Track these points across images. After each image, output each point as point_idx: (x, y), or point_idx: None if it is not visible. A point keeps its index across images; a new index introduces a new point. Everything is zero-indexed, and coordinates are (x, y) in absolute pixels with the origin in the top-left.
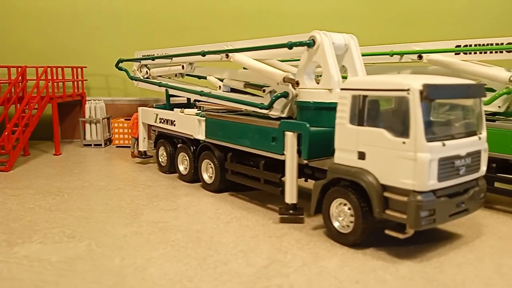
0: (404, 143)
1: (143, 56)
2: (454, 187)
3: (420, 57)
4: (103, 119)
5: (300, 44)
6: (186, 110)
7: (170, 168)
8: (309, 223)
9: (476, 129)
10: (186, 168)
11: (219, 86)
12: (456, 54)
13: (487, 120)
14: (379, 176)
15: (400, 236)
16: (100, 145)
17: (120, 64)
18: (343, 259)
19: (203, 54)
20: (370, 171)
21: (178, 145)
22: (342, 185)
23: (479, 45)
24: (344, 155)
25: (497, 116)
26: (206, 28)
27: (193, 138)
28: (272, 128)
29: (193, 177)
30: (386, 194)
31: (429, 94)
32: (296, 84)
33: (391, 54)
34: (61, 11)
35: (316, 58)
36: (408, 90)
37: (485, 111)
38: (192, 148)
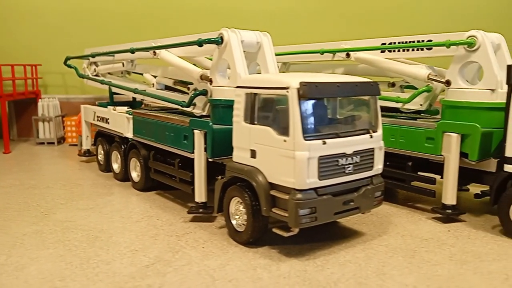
0: (285, 141)
1: (91, 53)
2: (340, 185)
3: (348, 55)
4: (56, 117)
5: (209, 41)
6: (118, 108)
7: (108, 166)
8: (219, 222)
9: (368, 127)
10: (119, 166)
11: (153, 84)
12: (382, 52)
13: (408, 118)
14: (267, 175)
15: (284, 234)
16: (53, 143)
17: (69, 62)
18: (230, 257)
19: (132, 51)
20: (260, 169)
21: (112, 144)
22: (239, 183)
23: (402, 42)
24: (240, 153)
25: (422, 114)
26: (159, 24)
27: (123, 136)
28: (183, 126)
29: (125, 175)
30: (273, 192)
31: (306, 92)
32: (210, 82)
33: (322, 52)
34: (17, 9)
35: (225, 56)
36: (287, 88)
37: (408, 109)
38: (123, 147)
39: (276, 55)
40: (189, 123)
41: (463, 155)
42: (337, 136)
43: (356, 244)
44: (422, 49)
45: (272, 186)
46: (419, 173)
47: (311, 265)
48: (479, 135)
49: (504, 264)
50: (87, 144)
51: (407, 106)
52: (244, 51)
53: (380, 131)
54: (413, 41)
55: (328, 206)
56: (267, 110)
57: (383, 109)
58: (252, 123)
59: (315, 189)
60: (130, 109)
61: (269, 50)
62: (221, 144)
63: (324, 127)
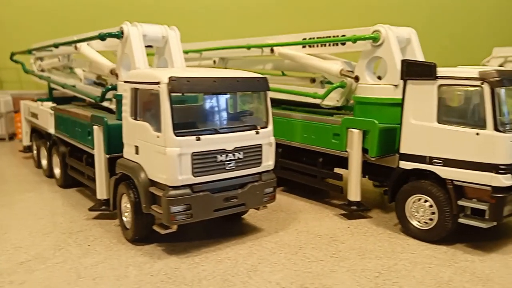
0: (158, 137)
1: (28, 49)
2: (220, 181)
3: (272, 50)
4: (7, 113)
5: (109, 35)
6: (45, 103)
7: (40, 163)
8: None
9: (256, 123)
10: (46, 163)
11: (81, 79)
12: (303, 47)
13: (324, 114)
14: (148, 171)
15: (162, 231)
16: (4, 139)
17: (16, 57)
18: (111, 255)
19: (56, 46)
20: (143, 166)
21: (41, 139)
22: (127, 180)
23: (320, 38)
24: (127, 149)
25: (343, 110)
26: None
27: (48, 132)
28: (86, 122)
29: (50, 172)
30: (151, 189)
31: (176, 87)
32: (116, 76)
33: (248, 47)
34: None
35: (126, 50)
36: (158, 83)
37: (327, 105)
38: (48, 143)
39: (203, 50)
40: (90, 118)
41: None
42: (216, 132)
43: (247, 240)
44: (337, 44)
45: (153, 183)
46: (336, 169)
47: (187, 262)
48: (377, 131)
49: (384, 261)
50: (26, 141)
51: (325, 102)
52: (150, 45)
53: (270, 127)
54: (329, 36)
55: (205, 203)
56: (146, 105)
57: (306, 105)
58: (135, 118)
59: (191, 185)
60: (55, 104)
61: (175, 45)
62: (118, 140)
63: (201, 123)
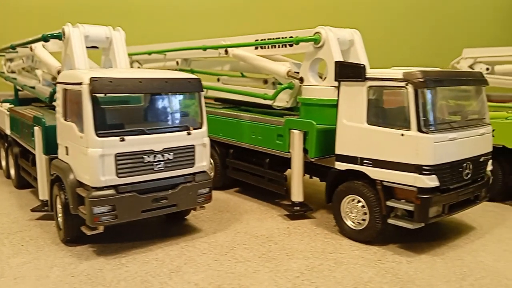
0: (81, 137)
1: None
2: (148, 182)
3: (226, 51)
4: None
5: (52, 36)
6: (4, 104)
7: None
8: None
9: (189, 124)
10: (5, 164)
11: (39, 80)
12: (256, 48)
13: (276, 115)
14: (75, 172)
15: (88, 232)
16: None
17: None
18: (39, 256)
19: (13, 47)
20: (71, 166)
21: (1, 140)
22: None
23: (270, 39)
24: (60, 150)
25: (295, 111)
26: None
27: (5, 133)
28: (30, 123)
29: (8, 173)
30: (78, 190)
31: (97, 87)
32: None
33: (204, 49)
34: None
35: (68, 51)
36: (81, 83)
37: (278, 106)
38: (6, 144)
39: (161, 51)
40: (33, 119)
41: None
42: (143, 133)
43: (182, 241)
44: (285, 46)
45: (80, 184)
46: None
47: (113, 263)
48: (315, 132)
49: (310, 262)
50: None
51: (276, 103)
52: (96, 47)
53: (204, 128)
54: (278, 38)
55: (132, 204)
56: (73, 106)
57: (264, 106)
58: (66, 119)
59: (116, 186)
60: (12, 105)
61: (120, 46)
62: (56, 141)
63: (129, 124)
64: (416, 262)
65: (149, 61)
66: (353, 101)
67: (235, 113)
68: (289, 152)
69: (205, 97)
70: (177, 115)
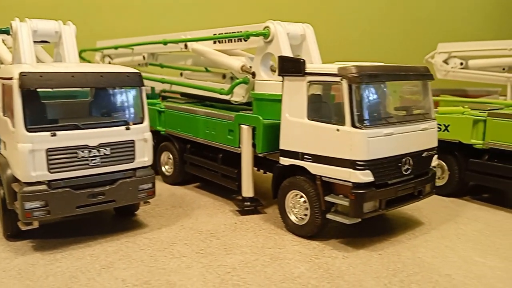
0: (13, 132)
1: None
2: (85, 178)
3: (186, 46)
4: None
5: (0, 31)
6: None
7: None
8: None
9: (128, 119)
10: None
11: None
12: (214, 43)
13: (234, 110)
14: (11, 166)
15: (23, 227)
16: None
17: None
18: None
19: None
20: (8, 161)
21: None
22: None
23: (227, 33)
24: (2, 145)
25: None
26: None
27: None
28: None
29: None
30: (13, 185)
31: (26, 82)
32: None
33: (165, 43)
34: None
35: (16, 46)
36: (11, 78)
37: (235, 101)
38: None
39: (124, 46)
40: None
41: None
42: (76, 128)
43: (124, 237)
44: (240, 40)
45: (16, 179)
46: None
47: (47, 259)
48: (261, 127)
49: (246, 257)
50: None
51: (233, 98)
52: (47, 41)
53: (145, 123)
54: (233, 32)
55: (66, 199)
56: (8, 101)
57: (223, 101)
58: (3, 114)
59: (49, 181)
60: None
61: (69, 40)
62: None
63: (63, 119)
64: (352, 258)
65: (120, 56)
66: (294, 96)
67: (191, 108)
68: (239, 147)
69: (171, 92)
70: (115, 110)
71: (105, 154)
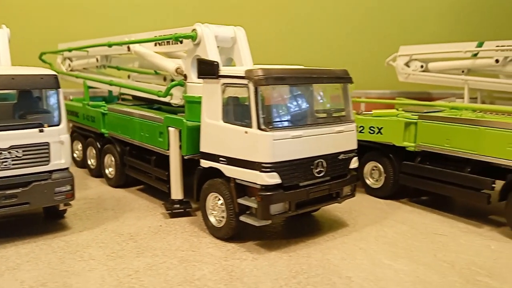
0: None
1: None
2: None
3: (128, 48)
4: None
5: None
6: None
7: None
8: None
9: (43, 121)
10: None
11: None
12: (155, 45)
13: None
14: None
15: None
16: None
17: None
18: None
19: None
20: None
21: None
22: None
23: (160, 36)
24: None
25: None
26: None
27: None
28: None
29: None
30: None
31: None
32: None
33: (109, 45)
34: None
35: None
36: None
37: (175, 103)
38: None
39: (76, 49)
40: None
41: None
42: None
43: (41, 239)
44: (177, 43)
45: None
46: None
47: None
48: (185, 129)
49: (155, 259)
50: None
51: (172, 100)
52: None
53: (62, 125)
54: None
55: None
56: None
57: (166, 103)
58: None
59: None
60: None
61: (1, 43)
62: None
63: None
64: (261, 259)
65: (80, 58)
66: (211, 98)
67: (127, 110)
68: (168, 149)
69: (129, 94)
70: (31, 112)
71: (17, 156)
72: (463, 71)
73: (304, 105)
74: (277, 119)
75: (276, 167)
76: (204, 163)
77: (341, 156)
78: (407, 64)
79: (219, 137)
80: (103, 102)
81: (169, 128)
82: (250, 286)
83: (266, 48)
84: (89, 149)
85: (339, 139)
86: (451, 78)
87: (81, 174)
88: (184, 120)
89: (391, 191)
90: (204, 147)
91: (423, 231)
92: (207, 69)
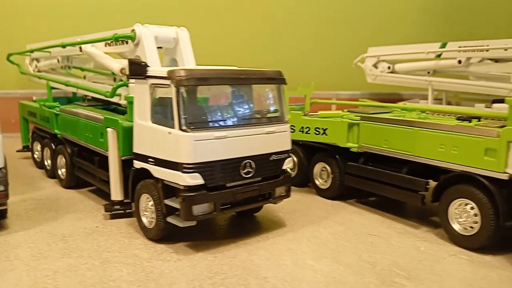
0: None
1: None
2: None
3: (80, 49)
4: None
5: None
6: None
7: None
8: None
9: None
10: None
11: None
12: (105, 45)
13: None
14: None
15: None
16: None
17: None
18: None
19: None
20: None
21: None
22: None
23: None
24: None
25: None
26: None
27: None
28: None
29: None
30: None
31: None
32: None
33: (63, 46)
34: None
35: None
36: None
37: (125, 104)
38: None
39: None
40: None
41: None
42: None
43: None
44: (124, 43)
45: None
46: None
47: None
48: (121, 130)
49: (78, 261)
50: None
51: (121, 101)
52: None
53: None
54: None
55: None
56: None
57: (116, 104)
58: None
59: None
60: None
61: None
62: None
63: None
64: (184, 261)
65: (48, 59)
66: (141, 99)
67: (75, 111)
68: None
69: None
70: None
71: None
72: (428, 72)
73: (231, 106)
74: (200, 120)
75: (198, 168)
76: (137, 164)
77: (272, 157)
78: (375, 66)
79: (148, 138)
80: (57, 103)
81: (107, 129)
82: (163, 287)
83: (231, 50)
84: (45, 150)
85: (270, 140)
86: (415, 79)
87: (39, 175)
88: (120, 121)
89: (338, 192)
90: (136, 148)
91: (358, 231)
92: (135, 70)
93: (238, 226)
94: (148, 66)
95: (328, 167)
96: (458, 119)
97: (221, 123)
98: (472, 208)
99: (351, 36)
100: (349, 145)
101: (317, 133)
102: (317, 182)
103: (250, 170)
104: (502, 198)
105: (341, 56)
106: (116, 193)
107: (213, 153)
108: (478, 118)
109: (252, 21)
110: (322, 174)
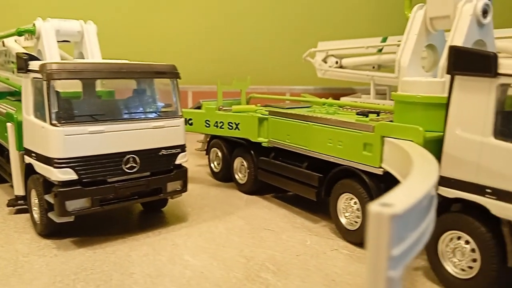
0: None
1: None
2: None
3: (3, 43)
4: None
5: None
6: None
7: None
8: None
9: None
10: None
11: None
12: (25, 40)
13: None
14: None
15: None
16: None
17: None
18: None
19: None
20: None
21: None
22: None
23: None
24: None
25: None
26: None
27: None
28: None
29: None
30: None
31: None
32: None
33: None
34: None
35: None
36: None
37: None
38: None
39: None
40: None
41: None
42: None
43: None
44: (30, 37)
45: None
46: None
47: None
48: (16, 124)
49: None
50: None
51: None
52: None
53: None
54: None
55: None
56: None
57: None
58: None
59: None
60: None
61: None
62: None
63: None
64: (61, 256)
65: None
66: (26, 93)
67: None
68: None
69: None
70: None
71: None
72: (374, 67)
73: (110, 100)
74: (72, 114)
75: (70, 163)
76: (26, 159)
77: (162, 152)
78: (324, 60)
79: (31, 132)
80: None
81: (7, 124)
82: (24, 282)
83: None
84: None
85: (159, 135)
86: (359, 74)
87: None
88: (15, 115)
89: (254, 187)
90: (25, 143)
91: (256, 226)
92: (20, 64)
93: (139, 220)
94: (32, 60)
95: (245, 162)
96: (357, 114)
97: (98, 117)
98: (355, 202)
99: (304, 30)
100: (260, 139)
101: (230, 127)
102: (236, 176)
103: (134, 165)
104: (380, 193)
105: (295, 50)
106: (19, 188)
107: (88, 147)
108: (377, 113)
109: (205, 16)
110: (241, 169)
